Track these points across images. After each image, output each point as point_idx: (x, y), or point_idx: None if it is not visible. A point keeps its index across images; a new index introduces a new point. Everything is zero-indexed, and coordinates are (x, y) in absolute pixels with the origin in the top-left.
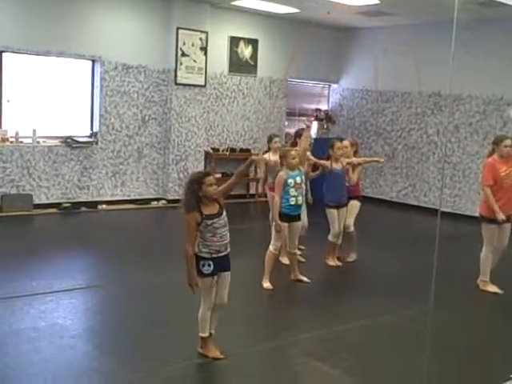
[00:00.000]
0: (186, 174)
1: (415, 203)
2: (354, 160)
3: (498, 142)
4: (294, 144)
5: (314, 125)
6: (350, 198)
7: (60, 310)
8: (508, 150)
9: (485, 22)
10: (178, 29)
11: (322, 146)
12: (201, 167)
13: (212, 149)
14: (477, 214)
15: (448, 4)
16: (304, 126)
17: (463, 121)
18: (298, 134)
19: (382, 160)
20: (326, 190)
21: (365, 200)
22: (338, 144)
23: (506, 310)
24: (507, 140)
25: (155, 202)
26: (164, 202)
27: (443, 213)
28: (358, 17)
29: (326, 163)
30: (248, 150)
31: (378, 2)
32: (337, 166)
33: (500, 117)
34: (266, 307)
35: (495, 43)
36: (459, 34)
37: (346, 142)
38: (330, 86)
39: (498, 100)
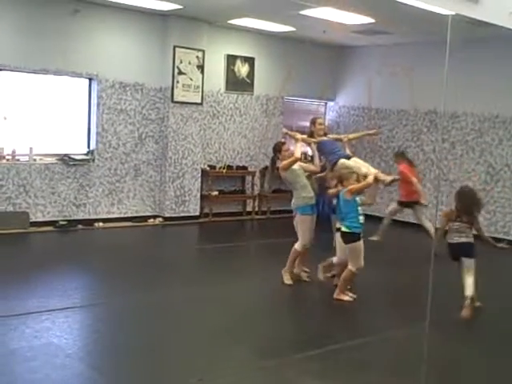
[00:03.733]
0: (182, 191)
1: (412, 220)
2: (350, 136)
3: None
4: (276, 158)
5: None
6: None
7: (55, 329)
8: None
9: (479, 41)
10: (174, 47)
11: None
12: (197, 185)
13: (209, 166)
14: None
15: (442, 23)
16: (282, 140)
17: (459, 138)
18: (277, 149)
19: (374, 131)
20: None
21: None
22: (319, 120)
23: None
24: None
25: (152, 220)
26: (161, 219)
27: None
28: (354, 35)
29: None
30: (245, 168)
31: (373, 21)
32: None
33: (496, 134)
34: (263, 325)
35: (489, 62)
36: (454, 53)
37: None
38: (326, 103)
39: (494, 118)
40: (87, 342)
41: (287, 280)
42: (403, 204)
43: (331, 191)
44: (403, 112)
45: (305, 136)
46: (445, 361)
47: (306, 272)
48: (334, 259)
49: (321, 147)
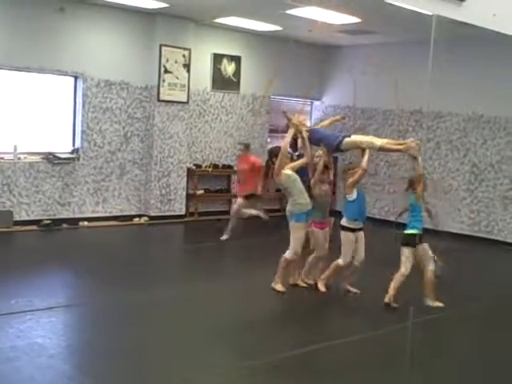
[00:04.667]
0: (168, 190)
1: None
2: (325, 123)
3: None
4: (271, 163)
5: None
6: None
7: (39, 329)
8: None
9: (464, 41)
10: (161, 46)
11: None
12: (183, 183)
13: (195, 165)
14: (459, 231)
15: (427, 23)
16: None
17: (444, 138)
18: (274, 154)
19: (340, 116)
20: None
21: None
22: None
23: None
24: None
25: (137, 219)
26: (146, 218)
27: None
28: (340, 35)
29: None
30: (230, 167)
31: (359, 20)
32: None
33: (480, 134)
34: (248, 326)
35: (474, 62)
36: (439, 53)
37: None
38: (312, 102)
39: (478, 118)
40: (71, 342)
41: (280, 288)
42: (248, 197)
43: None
44: (389, 112)
45: (301, 121)
46: (428, 357)
47: (306, 283)
48: (310, 258)
49: (313, 135)
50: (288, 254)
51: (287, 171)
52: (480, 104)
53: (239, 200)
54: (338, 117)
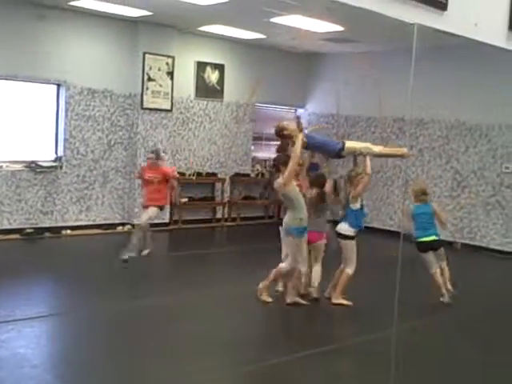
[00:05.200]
0: None
1: (380, 226)
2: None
3: None
4: (278, 170)
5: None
6: None
7: (21, 339)
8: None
9: (446, 49)
10: (144, 53)
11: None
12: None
13: (178, 173)
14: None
15: (410, 32)
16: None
17: (426, 145)
18: (281, 162)
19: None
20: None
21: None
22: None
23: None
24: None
25: (120, 227)
26: (129, 226)
27: (407, 236)
28: (324, 43)
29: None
30: (214, 174)
31: (343, 29)
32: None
33: (462, 141)
34: (233, 332)
35: (456, 70)
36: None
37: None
38: (296, 110)
39: (460, 125)
40: (53, 352)
41: (266, 298)
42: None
43: None
44: (372, 119)
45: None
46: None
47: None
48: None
49: (310, 140)
50: (284, 265)
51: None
52: (462, 111)
53: (152, 209)
54: (316, 126)
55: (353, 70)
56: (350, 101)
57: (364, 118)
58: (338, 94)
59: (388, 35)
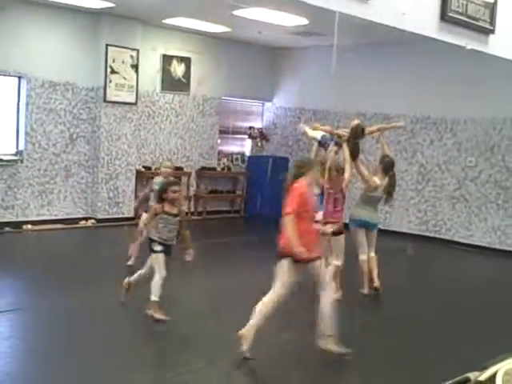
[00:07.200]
0: (116, 192)
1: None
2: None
3: None
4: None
5: (248, 143)
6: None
7: None
8: None
9: (410, 44)
10: (107, 46)
11: (255, 164)
12: (132, 186)
13: (144, 167)
14: (407, 231)
15: (376, 28)
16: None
17: (392, 139)
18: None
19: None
20: None
21: None
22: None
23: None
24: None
25: (84, 222)
26: (93, 221)
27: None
28: (290, 37)
29: None
30: (181, 168)
31: (307, 22)
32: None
33: (427, 135)
34: (201, 327)
35: (421, 64)
36: (386, 56)
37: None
38: (263, 104)
39: (426, 119)
40: (3, 349)
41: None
42: None
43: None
44: (340, 114)
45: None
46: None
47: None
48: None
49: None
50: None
51: None
52: (427, 105)
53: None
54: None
55: (320, 63)
56: (318, 95)
57: (332, 113)
58: (303, 87)
59: (351, 30)
